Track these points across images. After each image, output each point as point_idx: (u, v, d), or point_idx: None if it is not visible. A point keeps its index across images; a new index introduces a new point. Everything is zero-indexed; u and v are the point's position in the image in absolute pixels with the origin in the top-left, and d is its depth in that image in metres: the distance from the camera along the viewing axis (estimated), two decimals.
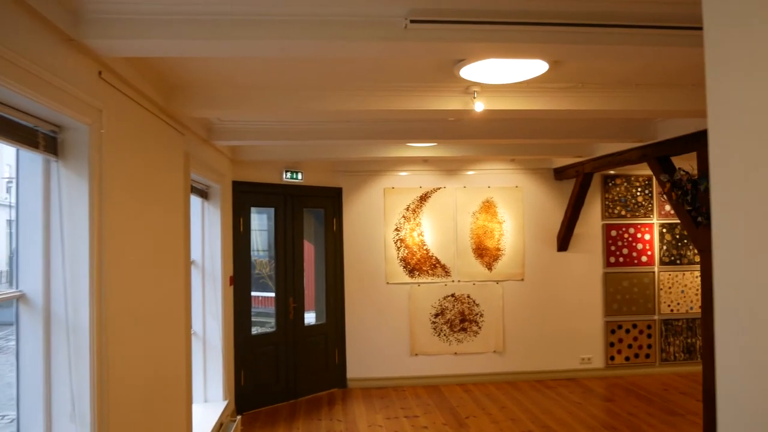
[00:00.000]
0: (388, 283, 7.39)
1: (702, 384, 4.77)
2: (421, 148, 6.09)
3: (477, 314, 7.47)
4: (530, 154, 6.35)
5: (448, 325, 7.43)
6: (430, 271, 7.41)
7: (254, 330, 6.66)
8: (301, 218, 6.97)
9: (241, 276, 6.24)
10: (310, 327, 7.14)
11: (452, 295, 7.44)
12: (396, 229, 7.39)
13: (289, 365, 6.74)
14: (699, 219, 4.34)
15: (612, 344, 7.68)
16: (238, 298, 6.18)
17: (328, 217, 7.29)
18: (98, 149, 2.62)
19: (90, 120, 2.55)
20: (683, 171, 4.54)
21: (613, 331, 7.68)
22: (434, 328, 7.41)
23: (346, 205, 7.41)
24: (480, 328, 7.48)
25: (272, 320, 6.85)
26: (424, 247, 7.41)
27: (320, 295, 7.39)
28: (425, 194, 7.44)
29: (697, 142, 4.48)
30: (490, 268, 7.51)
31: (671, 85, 3.51)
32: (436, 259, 7.42)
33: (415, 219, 7.42)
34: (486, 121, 4.80)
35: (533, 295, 7.59)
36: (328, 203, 7.30)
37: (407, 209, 7.42)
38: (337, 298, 7.30)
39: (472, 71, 3.03)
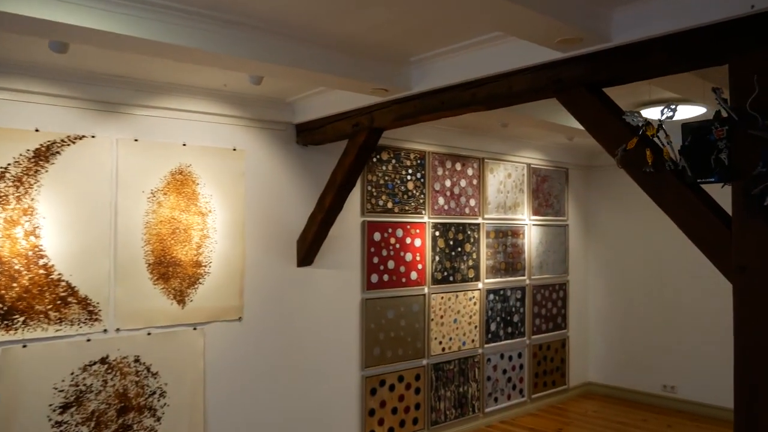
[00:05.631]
0: None
1: None
2: None
3: (153, 394, 4.00)
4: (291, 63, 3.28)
5: (93, 424, 3.75)
6: (53, 313, 3.63)
7: None
8: None
9: None
10: None
11: (103, 361, 3.81)
12: None
13: None
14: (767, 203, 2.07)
15: (372, 412, 5.14)
16: None
17: None
18: None
19: None
20: (720, 94, 2.24)
21: (373, 392, 5.14)
22: None
23: None
24: (159, 421, 4.01)
25: None
26: (42, 261, 3.60)
27: None
28: (48, 147, 3.65)
29: (736, 39, 2.22)
30: (181, 301, 4.14)
31: None
32: (69, 285, 3.69)
33: (20, 200, 3.55)
34: None
35: (257, 345, 4.51)
36: None
37: (1, 179, 3.51)
38: None
39: None
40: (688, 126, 2.40)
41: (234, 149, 4.41)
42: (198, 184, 4.23)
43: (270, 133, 4.61)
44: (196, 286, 4.20)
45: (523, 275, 6.54)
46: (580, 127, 4.95)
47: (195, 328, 4.20)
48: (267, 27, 3.02)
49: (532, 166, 6.69)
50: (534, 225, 6.69)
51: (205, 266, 4.25)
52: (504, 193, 6.35)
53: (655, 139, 2.53)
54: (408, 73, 3.55)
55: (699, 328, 6.50)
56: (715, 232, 2.35)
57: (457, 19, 2.85)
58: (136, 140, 3.95)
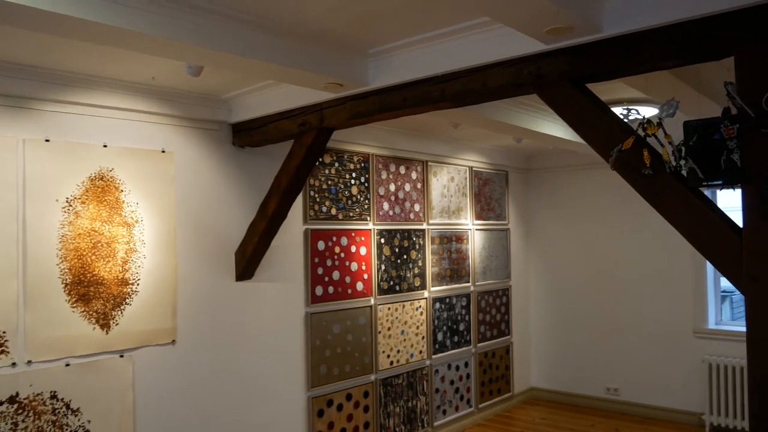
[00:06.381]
0: None
1: None
2: None
3: None
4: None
5: None
6: None
7: None
8: None
9: None
10: None
11: (12, 400, 3.25)
12: None
13: None
14: None
15: None
16: None
17: None
18: None
19: None
20: (733, 89, 2.05)
21: (321, 413, 4.78)
22: None
23: None
24: None
25: None
26: None
27: None
28: None
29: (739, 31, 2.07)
30: (105, 326, 3.63)
31: None
32: None
33: None
34: None
35: (194, 370, 4.05)
36: None
37: None
38: None
39: None
40: (690, 124, 2.22)
41: (162, 151, 3.94)
42: (122, 190, 3.74)
43: (202, 134, 4.17)
44: (122, 307, 3.70)
45: (468, 282, 6.36)
46: (532, 128, 4.86)
47: (122, 356, 3.69)
48: (207, 7, 2.61)
49: (474, 169, 6.54)
50: (477, 230, 6.54)
51: (133, 284, 3.76)
52: (448, 197, 6.16)
53: (651, 138, 2.35)
54: (365, 66, 3.24)
55: (638, 330, 6.56)
56: (722, 239, 2.18)
57: (430, 4, 2.58)
58: (47, 140, 3.42)
